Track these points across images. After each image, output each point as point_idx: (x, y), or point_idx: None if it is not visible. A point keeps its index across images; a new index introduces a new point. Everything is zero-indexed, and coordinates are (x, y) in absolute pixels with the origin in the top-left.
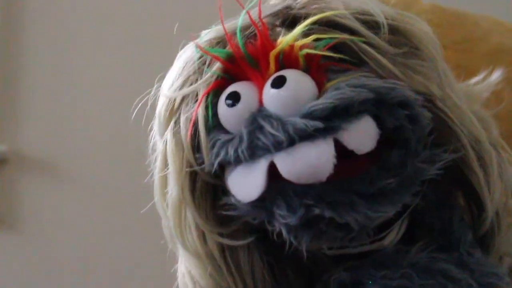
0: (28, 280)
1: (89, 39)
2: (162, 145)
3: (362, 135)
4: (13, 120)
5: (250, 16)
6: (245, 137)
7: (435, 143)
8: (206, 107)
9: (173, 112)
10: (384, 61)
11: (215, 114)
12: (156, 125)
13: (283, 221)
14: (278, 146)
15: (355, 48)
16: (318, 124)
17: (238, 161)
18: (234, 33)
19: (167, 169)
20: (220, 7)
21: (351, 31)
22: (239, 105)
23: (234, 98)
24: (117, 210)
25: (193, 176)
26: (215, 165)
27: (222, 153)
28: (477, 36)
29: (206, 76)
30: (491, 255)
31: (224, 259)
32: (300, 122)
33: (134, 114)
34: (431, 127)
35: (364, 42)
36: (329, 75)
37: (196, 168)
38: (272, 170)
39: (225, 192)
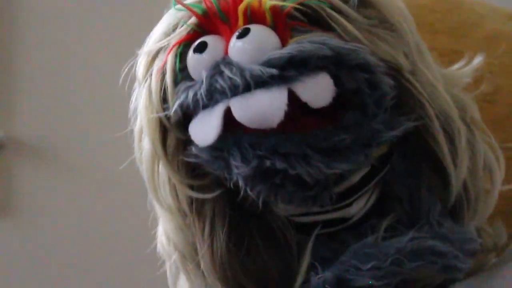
0: (24, 265)
1: (84, 24)
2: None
3: (317, 89)
4: (10, 106)
5: None
6: (205, 81)
7: (400, 112)
8: (176, 58)
9: (148, 67)
10: (350, 26)
11: (184, 67)
12: (137, 84)
13: (237, 171)
14: (235, 90)
15: (322, 13)
16: (273, 71)
17: (197, 105)
18: None
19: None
20: None
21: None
22: (205, 54)
23: (202, 47)
24: (113, 197)
25: (165, 131)
26: (177, 109)
27: (183, 97)
28: (473, 21)
29: (180, 29)
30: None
31: (191, 212)
32: (257, 69)
33: (126, 90)
34: (393, 94)
35: (333, 9)
36: (294, 33)
37: (160, 115)
38: (231, 121)
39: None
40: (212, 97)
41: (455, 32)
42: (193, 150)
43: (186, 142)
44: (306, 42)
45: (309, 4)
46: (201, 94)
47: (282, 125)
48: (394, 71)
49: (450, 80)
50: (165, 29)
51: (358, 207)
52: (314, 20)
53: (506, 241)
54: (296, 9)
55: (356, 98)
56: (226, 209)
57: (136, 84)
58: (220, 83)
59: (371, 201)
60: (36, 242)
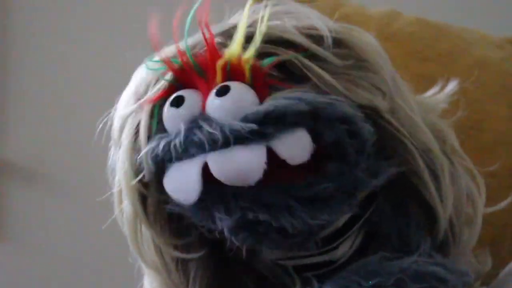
0: None
1: (78, 46)
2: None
3: (294, 146)
4: (1, 128)
5: (201, 27)
6: (182, 132)
7: (384, 155)
8: (151, 117)
9: (121, 131)
10: (326, 76)
11: (158, 122)
12: (112, 144)
13: (220, 223)
14: (213, 145)
15: (299, 64)
16: (253, 126)
17: (168, 156)
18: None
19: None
20: (175, 22)
21: (297, 46)
22: (182, 108)
23: (178, 101)
24: (106, 219)
25: (144, 191)
26: (149, 162)
27: (154, 144)
28: (461, 48)
29: (157, 86)
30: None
31: (176, 270)
32: (237, 124)
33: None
34: (374, 139)
35: (309, 56)
36: (272, 91)
37: (135, 181)
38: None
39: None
40: (187, 150)
41: (443, 59)
42: (176, 202)
43: (166, 200)
44: (281, 99)
45: (285, 62)
46: (175, 145)
47: (264, 176)
48: (373, 113)
49: (426, 107)
50: (137, 89)
51: (344, 249)
52: (290, 72)
53: (489, 268)
54: (273, 66)
55: (337, 150)
56: (211, 264)
57: (112, 144)
58: (199, 136)
59: (357, 242)
60: (27, 265)
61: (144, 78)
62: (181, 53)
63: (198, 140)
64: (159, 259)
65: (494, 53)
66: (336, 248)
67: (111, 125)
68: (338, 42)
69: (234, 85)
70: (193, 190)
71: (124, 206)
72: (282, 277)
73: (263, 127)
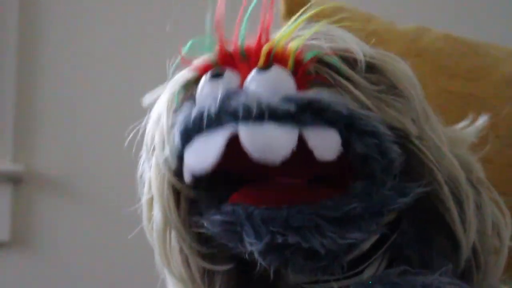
0: None
1: (107, 55)
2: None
3: (325, 140)
4: (29, 139)
5: (262, 14)
6: (218, 100)
7: (410, 178)
8: (174, 97)
9: (155, 132)
10: (358, 93)
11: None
12: (144, 152)
13: (250, 247)
14: (247, 116)
15: (331, 80)
16: (292, 107)
17: (200, 124)
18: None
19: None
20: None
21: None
22: (220, 80)
23: (218, 74)
24: (133, 229)
25: (176, 197)
26: (177, 140)
27: (185, 114)
28: (488, 64)
29: (198, 60)
30: None
31: (203, 282)
32: (275, 101)
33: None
34: (401, 161)
35: (341, 75)
36: (311, 86)
37: (162, 163)
38: (235, 157)
39: (201, 213)
40: (220, 118)
41: (471, 75)
42: (204, 223)
43: (198, 208)
44: (326, 94)
45: (323, 67)
46: (209, 112)
47: (292, 196)
48: (402, 137)
49: (455, 140)
50: (171, 96)
51: (369, 274)
52: (329, 80)
53: None
54: (314, 64)
55: (365, 166)
56: (236, 280)
57: (144, 151)
58: (234, 104)
59: (382, 267)
60: (56, 275)
61: (175, 90)
62: (234, 37)
63: (233, 109)
64: (185, 269)
65: None
66: (361, 272)
67: (140, 135)
68: (372, 67)
69: (276, 67)
70: (212, 154)
71: (155, 214)
72: None
73: (301, 112)
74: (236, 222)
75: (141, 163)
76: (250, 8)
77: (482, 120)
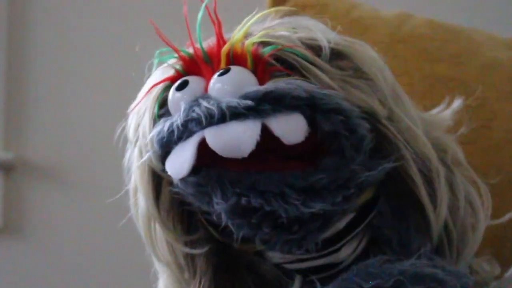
0: (36, 286)
1: (96, 44)
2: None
3: (290, 126)
4: (19, 128)
5: (210, 14)
6: (182, 112)
7: (378, 156)
8: (156, 101)
9: (137, 126)
10: (323, 76)
11: (164, 112)
12: (128, 143)
13: (217, 207)
14: (210, 120)
15: (296, 64)
16: (249, 102)
17: (171, 137)
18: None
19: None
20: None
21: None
22: (186, 90)
23: (183, 85)
24: (123, 216)
25: (158, 187)
26: (156, 147)
27: (159, 128)
28: (471, 50)
29: (164, 70)
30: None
31: (187, 266)
32: (234, 101)
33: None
34: (370, 138)
35: (307, 61)
36: (272, 78)
37: (145, 158)
38: (211, 154)
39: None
40: (187, 127)
41: (454, 60)
42: (180, 185)
43: (177, 195)
44: (282, 82)
45: (285, 55)
46: (177, 124)
47: (263, 165)
48: (370, 116)
49: (431, 123)
50: (149, 87)
51: (346, 253)
52: (291, 68)
53: (498, 273)
54: (274, 57)
55: (335, 143)
56: (216, 262)
57: (129, 145)
58: (197, 112)
59: (361, 246)
60: (47, 263)
61: (155, 77)
62: (192, 42)
63: (197, 115)
64: (170, 255)
65: (503, 53)
66: (338, 250)
67: (127, 125)
68: (338, 53)
69: (235, 68)
70: (186, 161)
71: (139, 203)
72: (285, 281)
73: (260, 105)
74: (207, 183)
75: (127, 153)
76: (201, 13)
77: (458, 103)
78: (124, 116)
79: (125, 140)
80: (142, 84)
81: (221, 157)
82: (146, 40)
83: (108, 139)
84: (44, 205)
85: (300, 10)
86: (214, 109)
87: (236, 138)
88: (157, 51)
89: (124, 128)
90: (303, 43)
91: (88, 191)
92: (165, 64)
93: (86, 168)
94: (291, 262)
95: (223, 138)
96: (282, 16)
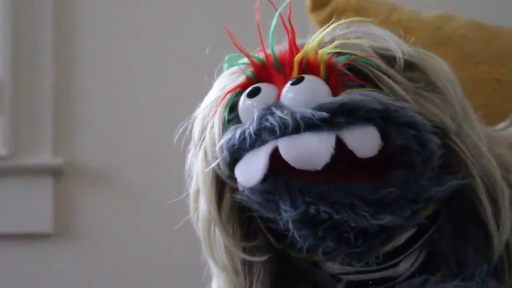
0: None
1: (146, 46)
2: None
3: (364, 139)
4: (69, 133)
5: (283, 21)
6: (255, 120)
7: (446, 171)
8: (226, 108)
9: (202, 129)
10: (396, 87)
11: (234, 117)
12: (191, 146)
13: (285, 215)
14: (284, 130)
15: (370, 75)
16: (324, 114)
17: (243, 145)
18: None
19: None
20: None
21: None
22: (258, 98)
23: (255, 92)
24: (174, 220)
25: (220, 191)
26: (225, 152)
27: (230, 135)
28: None
29: (236, 82)
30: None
31: (244, 272)
32: (308, 112)
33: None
34: (440, 153)
35: (380, 71)
36: (345, 88)
37: (213, 165)
38: (281, 164)
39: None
40: (260, 136)
41: (496, 61)
42: (245, 192)
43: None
44: (357, 94)
45: (358, 65)
46: (249, 132)
47: (333, 175)
48: (440, 131)
49: (494, 139)
50: (218, 93)
51: (405, 267)
52: (365, 79)
53: None
54: (347, 67)
55: (405, 157)
56: (273, 270)
57: (192, 145)
58: (271, 121)
59: (419, 260)
60: (98, 267)
61: (223, 85)
62: (264, 48)
63: (270, 125)
64: (228, 260)
65: None
66: (397, 264)
67: (187, 129)
68: (411, 65)
69: (309, 77)
70: (258, 170)
71: (200, 207)
72: None
73: (335, 117)
74: (275, 191)
75: (189, 156)
76: (274, 20)
77: None
78: (176, 118)
79: (179, 143)
80: (196, 87)
81: (289, 166)
82: (206, 43)
83: (158, 141)
84: (95, 209)
85: (340, 14)
86: (289, 119)
87: (311, 151)
88: (227, 56)
89: (179, 131)
90: (376, 53)
91: (137, 195)
92: (233, 69)
93: (135, 172)
94: (349, 273)
95: (298, 150)
96: (349, 24)
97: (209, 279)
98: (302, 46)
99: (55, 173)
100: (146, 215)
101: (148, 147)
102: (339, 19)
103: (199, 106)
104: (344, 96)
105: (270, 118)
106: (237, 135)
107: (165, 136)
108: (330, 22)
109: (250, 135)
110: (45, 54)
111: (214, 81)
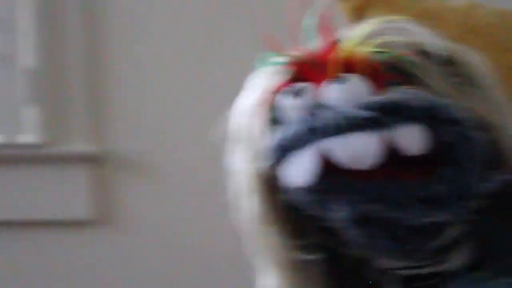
0: (128, 278)
1: (179, 32)
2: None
3: (412, 137)
4: (104, 121)
5: (324, 20)
6: (303, 120)
7: (491, 166)
8: (270, 109)
9: (245, 128)
10: (438, 84)
11: (277, 117)
12: (230, 144)
13: (337, 214)
14: (332, 130)
15: (412, 72)
16: (370, 113)
17: (288, 145)
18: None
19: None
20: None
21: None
22: (301, 98)
23: (298, 92)
24: (214, 207)
25: (269, 190)
26: (272, 154)
27: (275, 135)
28: None
29: (276, 80)
30: None
31: (295, 270)
32: (354, 111)
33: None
34: (486, 149)
35: (421, 70)
36: (388, 86)
37: (260, 165)
38: (329, 163)
39: None
40: (305, 137)
41: None
42: (295, 192)
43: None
44: (399, 93)
45: (400, 63)
46: (296, 132)
47: (382, 174)
48: (485, 127)
49: None
50: (257, 93)
51: (455, 262)
52: (405, 77)
53: None
54: (388, 64)
55: (452, 153)
56: (324, 268)
57: (230, 144)
58: (317, 121)
59: (469, 256)
60: (138, 254)
61: (262, 80)
62: (299, 47)
63: (317, 125)
64: (281, 258)
65: None
66: (447, 260)
67: (224, 119)
68: (450, 61)
69: (351, 76)
70: (308, 170)
71: (247, 205)
72: (390, 287)
73: (382, 116)
74: (326, 190)
75: (227, 153)
76: (313, 19)
77: None
78: (213, 105)
79: (215, 132)
80: (232, 75)
81: (336, 166)
82: (248, 41)
83: (195, 128)
84: (134, 197)
85: (366, 4)
86: (335, 120)
87: (361, 150)
88: (260, 55)
89: (217, 124)
90: (415, 49)
91: (176, 182)
92: (271, 68)
93: (170, 158)
94: (398, 268)
95: (348, 150)
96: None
97: (249, 267)
98: (339, 42)
99: (90, 160)
100: (184, 202)
101: (184, 133)
102: (369, 8)
103: (236, 100)
104: (388, 95)
105: (317, 118)
106: (282, 135)
107: (203, 123)
108: (368, 21)
109: (297, 135)
110: (79, 42)
111: (248, 78)
